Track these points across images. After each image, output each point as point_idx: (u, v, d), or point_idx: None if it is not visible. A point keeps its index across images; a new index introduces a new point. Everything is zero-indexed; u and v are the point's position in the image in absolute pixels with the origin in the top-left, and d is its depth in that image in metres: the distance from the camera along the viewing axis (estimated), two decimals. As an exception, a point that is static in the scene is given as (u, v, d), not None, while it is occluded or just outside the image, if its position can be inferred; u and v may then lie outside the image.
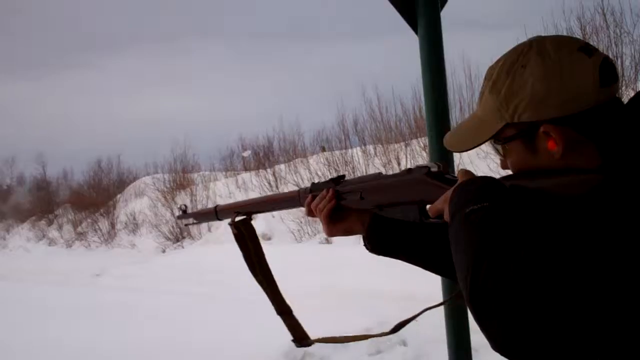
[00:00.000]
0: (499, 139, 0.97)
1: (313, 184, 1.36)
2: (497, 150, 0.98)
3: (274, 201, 1.47)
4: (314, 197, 1.32)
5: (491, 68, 0.97)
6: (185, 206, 1.67)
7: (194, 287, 9.92)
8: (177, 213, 1.69)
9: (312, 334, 1.49)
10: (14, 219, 26.03)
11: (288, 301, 1.48)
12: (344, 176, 1.32)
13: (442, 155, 2.23)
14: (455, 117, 11.78)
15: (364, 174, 13.54)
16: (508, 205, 0.86)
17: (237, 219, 1.47)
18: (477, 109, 1.01)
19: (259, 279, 1.48)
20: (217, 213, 1.53)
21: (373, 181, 1.24)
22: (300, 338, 1.47)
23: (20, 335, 7.00)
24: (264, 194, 14.86)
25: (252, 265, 1.48)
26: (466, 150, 1.02)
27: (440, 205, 1.03)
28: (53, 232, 22.62)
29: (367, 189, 1.23)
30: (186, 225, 1.69)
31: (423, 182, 1.10)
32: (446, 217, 0.97)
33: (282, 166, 15.11)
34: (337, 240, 12.10)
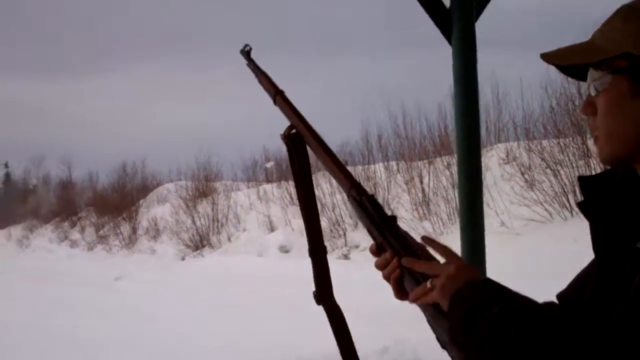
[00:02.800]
0: (607, 65, 0.89)
1: (368, 196, 1.11)
2: (593, 88, 0.91)
3: (325, 162, 1.24)
4: (377, 246, 1.07)
5: (627, 4, 0.92)
6: (250, 48, 1.42)
7: (212, 296, 9.90)
8: (246, 48, 1.42)
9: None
10: (37, 220, 26.37)
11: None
12: (395, 217, 1.09)
13: (471, 173, 2.17)
14: (482, 136, 11.65)
15: (386, 191, 13.52)
16: None
17: (292, 131, 1.29)
18: (590, 38, 0.95)
19: (301, 205, 1.30)
20: (275, 99, 1.34)
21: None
22: (323, 296, 1.28)
23: (34, 330, 7.05)
24: (284, 206, 14.83)
25: (297, 184, 1.31)
26: (567, 64, 0.93)
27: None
28: (75, 234, 22.85)
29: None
30: (247, 64, 1.47)
31: None
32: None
33: (305, 179, 15.07)
34: (355, 256, 12.02)
